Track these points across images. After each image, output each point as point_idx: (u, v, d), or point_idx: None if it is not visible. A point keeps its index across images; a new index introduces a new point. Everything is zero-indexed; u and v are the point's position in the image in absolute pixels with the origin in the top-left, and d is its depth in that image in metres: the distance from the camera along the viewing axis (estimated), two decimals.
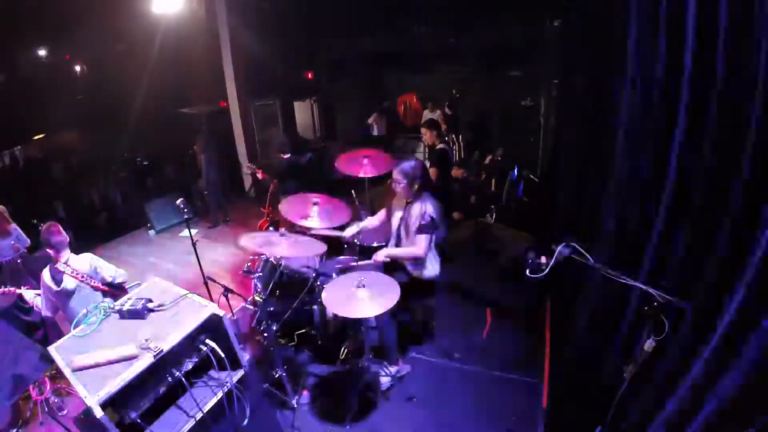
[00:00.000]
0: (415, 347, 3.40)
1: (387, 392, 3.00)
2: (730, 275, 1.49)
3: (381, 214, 3.25)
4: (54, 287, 2.80)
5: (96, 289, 2.90)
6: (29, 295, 3.07)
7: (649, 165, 2.12)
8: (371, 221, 3.25)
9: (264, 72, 7.78)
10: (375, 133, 9.07)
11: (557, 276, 3.34)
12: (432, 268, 2.99)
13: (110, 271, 3.00)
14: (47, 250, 2.88)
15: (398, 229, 3.00)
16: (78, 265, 2.88)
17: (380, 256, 2.94)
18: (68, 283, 2.82)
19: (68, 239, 2.93)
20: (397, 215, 3.02)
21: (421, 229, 2.80)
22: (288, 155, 4.81)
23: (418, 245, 2.80)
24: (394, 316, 3.01)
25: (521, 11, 6.34)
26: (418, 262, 2.94)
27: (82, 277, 2.86)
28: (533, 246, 3.69)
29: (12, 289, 3.09)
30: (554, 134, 5.29)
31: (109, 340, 1.87)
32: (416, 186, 2.84)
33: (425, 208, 2.81)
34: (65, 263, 2.85)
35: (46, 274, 2.83)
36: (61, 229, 2.90)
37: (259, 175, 4.99)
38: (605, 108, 2.88)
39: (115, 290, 3.00)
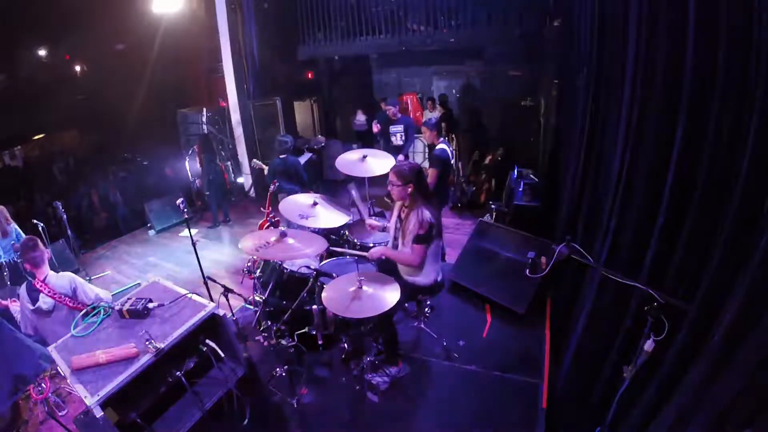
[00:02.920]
0: (415, 347, 3.39)
1: (387, 392, 2.99)
2: (730, 275, 1.49)
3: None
4: (29, 306, 2.69)
5: (74, 309, 2.74)
6: (14, 309, 2.99)
7: (649, 164, 2.12)
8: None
9: (264, 72, 7.78)
10: (364, 127, 8.84)
11: (557, 276, 3.38)
12: (427, 277, 2.93)
13: (91, 293, 2.82)
14: (25, 266, 2.76)
15: (395, 231, 2.97)
16: (56, 284, 2.74)
17: (376, 253, 2.89)
18: (44, 302, 2.69)
19: (48, 255, 2.82)
20: (395, 217, 2.99)
21: (418, 239, 2.72)
22: (285, 155, 4.82)
23: (415, 254, 2.74)
24: (394, 316, 3.01)
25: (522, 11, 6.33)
26: (412, 268, 2.92)
27: (60, 297, 2.71)
28: (533, 246, 3.70)
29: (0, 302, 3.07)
30: (554, 134, 5.28)
31: (109, 340, 1.88)
32: (410, 190, 2.77)
33: (423, 216, 2.71)
34: (43, 281, 2.71)
35: (23, 291, 2.73)
36: (39, 244, 2.78)
37: (265, 172, 4.98)
38: (605, 108, 2.89)
39: None
